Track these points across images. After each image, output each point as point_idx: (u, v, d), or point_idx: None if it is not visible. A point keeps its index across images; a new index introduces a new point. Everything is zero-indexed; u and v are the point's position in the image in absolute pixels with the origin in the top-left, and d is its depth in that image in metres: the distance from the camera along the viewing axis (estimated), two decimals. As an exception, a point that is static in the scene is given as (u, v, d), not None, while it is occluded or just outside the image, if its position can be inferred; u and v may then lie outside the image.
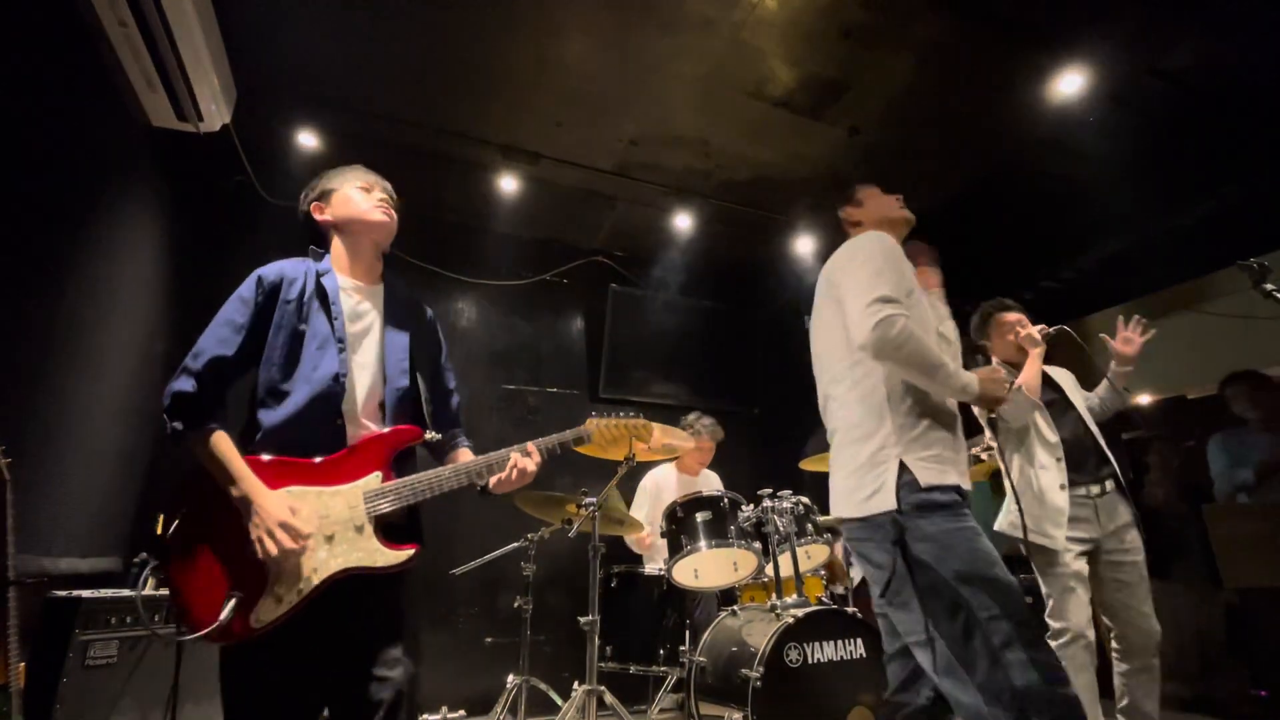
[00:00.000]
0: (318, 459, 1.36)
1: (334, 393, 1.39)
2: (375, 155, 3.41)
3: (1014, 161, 3.63)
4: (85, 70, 2.26)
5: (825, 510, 3.08)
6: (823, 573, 3.22)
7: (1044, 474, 2.24)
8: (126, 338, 2.69)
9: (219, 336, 1.37)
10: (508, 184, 3.80)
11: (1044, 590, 2.24)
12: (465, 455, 1.59)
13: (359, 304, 1.52)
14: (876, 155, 3.60)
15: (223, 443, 1.31)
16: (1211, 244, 3.58)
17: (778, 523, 2.75)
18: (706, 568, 2.83)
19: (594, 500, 2.55)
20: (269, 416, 1.36)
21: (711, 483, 3.67)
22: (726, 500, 2.84)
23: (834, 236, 4.31)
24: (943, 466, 1.41)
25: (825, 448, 3.41)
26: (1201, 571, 3.41)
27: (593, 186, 3.98)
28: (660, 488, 3.59)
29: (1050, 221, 4.11)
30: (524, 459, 1.49)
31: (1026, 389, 2.24)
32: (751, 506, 2.84)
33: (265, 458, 1.34)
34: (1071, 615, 2.14)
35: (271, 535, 1.24)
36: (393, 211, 1.57)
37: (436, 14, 2.74)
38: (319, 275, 1.49)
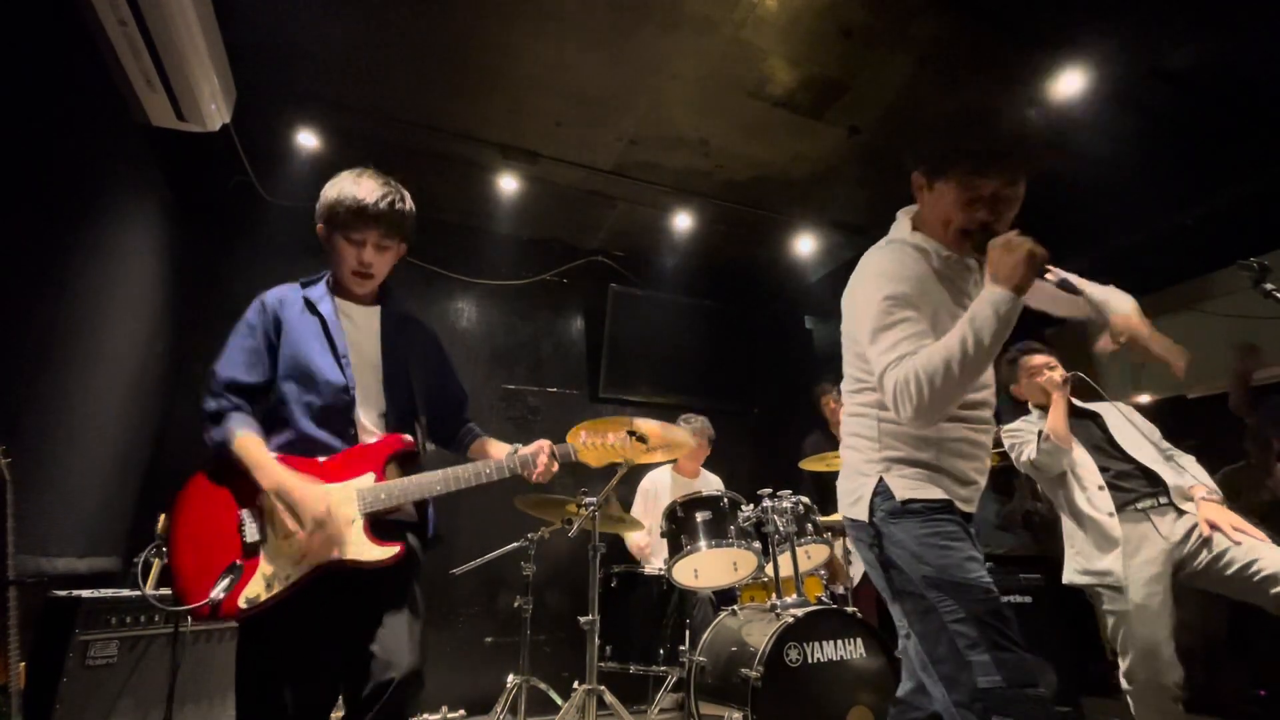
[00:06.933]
0: (321, 459, 1.45)
1: (345, 402, 1.49)
2: (375, 155, 3.43)
3: (1014, 161, 3.62)
4: (85, 70, 2.25)
5: (825, 510, 3.10)
6: (822, 572, 3.22)
7: (1091, 507, 2.23)
8: (126, 338, 2.69)
9: (231, 360, 1.47)
10: (508, 184, 3.80)
11: (1109, 634, 2.16)
12: (492, 445, 1.73)
13: (356, 323, 1.60)
14: (876, 155, 3.59)
15: (249, 444, 1.39)
16: (1211, 244, 3.57)
17: (777, 522, 2.75)
18: (706, 567, 2.83)
19: (594, 500, 2.55)
20: (285, 424, 1.46)
21: (710, 484, 3.66)
22: (726, 500, 2.84)
23: (834, 236, 4.34)
24: (926, 483, 1.38)
25: (824, 448, 3.45)
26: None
27: (593, 186, 3.97)
28: (658, 490, 3.59)
29: (1050, 221, 4.07)
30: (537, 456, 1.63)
31: (1053, 434, 2.24)
32: (751, 506, 2.84)
33: (272, 456, 1.41)
34: (1130, 656, 2.08)
35: (299, 520, 1.34)
36: (374, 272, 1.58)
37: (437, 14, 2.74)
38: (317, 298, 1.57)
